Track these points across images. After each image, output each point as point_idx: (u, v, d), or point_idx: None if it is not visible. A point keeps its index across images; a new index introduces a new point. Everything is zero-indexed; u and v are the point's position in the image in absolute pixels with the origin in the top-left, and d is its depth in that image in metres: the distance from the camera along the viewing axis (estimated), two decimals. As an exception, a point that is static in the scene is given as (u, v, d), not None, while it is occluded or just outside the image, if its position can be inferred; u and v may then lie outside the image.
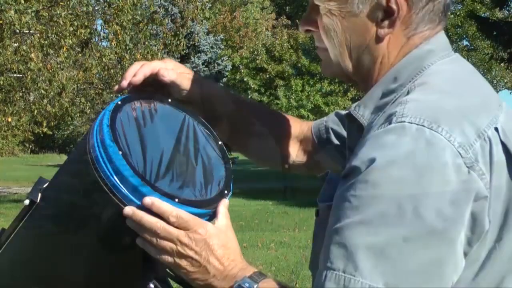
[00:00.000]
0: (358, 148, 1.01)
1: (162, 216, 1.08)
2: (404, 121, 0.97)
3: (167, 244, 1.09)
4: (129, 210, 1.09)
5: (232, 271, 1.09)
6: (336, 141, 1.44)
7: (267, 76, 28.02)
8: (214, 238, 1.10)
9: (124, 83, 1.27)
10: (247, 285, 1.05)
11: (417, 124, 0.96)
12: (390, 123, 0.98)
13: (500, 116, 1.06)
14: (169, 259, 1.10)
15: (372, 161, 0.95)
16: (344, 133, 1.35)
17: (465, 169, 0.96)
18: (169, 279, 1.31)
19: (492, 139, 1.01)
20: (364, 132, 1.07)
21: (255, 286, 1.05)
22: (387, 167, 0.94)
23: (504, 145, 1.03)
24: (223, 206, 1.17)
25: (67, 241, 1.19)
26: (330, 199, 1.09)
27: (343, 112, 1.20)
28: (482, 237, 0.99)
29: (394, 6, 1.07)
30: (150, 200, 1.08)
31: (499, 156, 1.02)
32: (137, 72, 1.28)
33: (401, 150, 0.95)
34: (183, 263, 1.09)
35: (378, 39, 1.10)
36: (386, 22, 1.08)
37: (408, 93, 1.06)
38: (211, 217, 1.16)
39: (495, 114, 1.06)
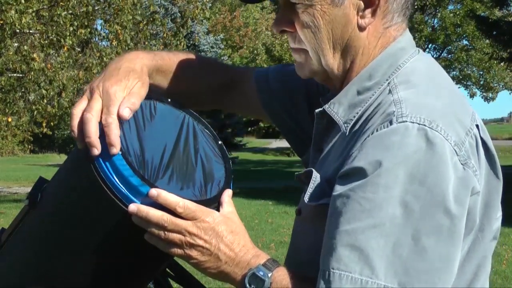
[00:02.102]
0: (358, 149, 1.01)
1: (168, 207, 1.08)
2: (406, 121, 0.99)
3: (176, 236, 1.08)
4: (133, 207, 1.08)
5: (245, 257, 1.09)
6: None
7: (267, 76, 28.01)
8: (222, 225, 1.10)
9: (97, 153, 1.09)
10: (261, 273, 1.05)
11: (419, 124, 0.99)
12: (391, 123, 1.00)
13: (476, 113, 1.10)
14: (178, 251, 1.09)
15: (380, 163, 0.97)
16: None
17: (460, 166, 0.99)
18: (169, 279, 1.31)
19: (477, 136, 1.06)
20: (351, 132, 1.09)
21: (269, 275, 1.05)
22: (395, 168, 0.96)
23: (483, 141, 1.08)
24: (226, 195, 1.17)
25: (67, 241, 1.19)
26: (317, 199, 1.10)
27: (316, 110, 1.19)
28: (472, 231, 1.04)
29: None
30: (156, 191, 1.08)
31: (482, 152, 1.06)
32: (111, 139, 1.09)
33: (407, 151, 0.97)
34: (194, 253, 1.09)
35: (360, 29, 1.11)
36: (367, 12, 1.10)
37: (390, 91, 1.08)
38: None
39: (472, 111, 1.11)
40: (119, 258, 1.18)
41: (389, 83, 1.10)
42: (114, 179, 1.10)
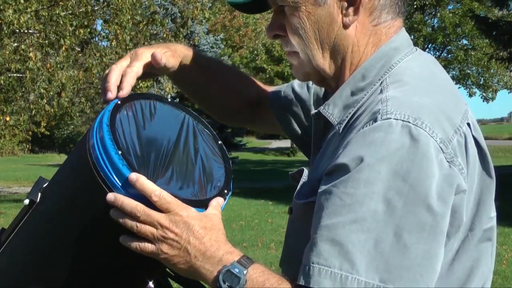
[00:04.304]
0: (343, 147, 1.02)
1: (144, 194, 1.07)
2: (390, 118, 1.00)
3: (148, 229, 1.07)
4: (111, 196, 1.08)
5: (216, 253, 1.05)
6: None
7: (267, 76, 28.04)
8: (196, 220, 1.07)
9: (110, 96, 1.19)
10: (236, 270, 1.02)
11: (403, 121, 0.99)
12: (375, 121, 1.01)
13: (469, 111, 1.10)
14: (150, 247, 1.07)
15: (361, 159, 0.97)
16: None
17: (446, 164, 0.99)
18: (169, 279, 1.31)
19: (467, 134, 1.05)
20: (343, 131, 1.10)
21: (245, 272, 1.02)
22: (377, 164, 0.97)
23: (475, 140, 1.08)
24: (215, 200, 1.16)
25: (67, 241, 1.19)
26: (306, 197, 1.10)
27: (312, 112, 1.21)
28: (460, 229, 1.03)
29: None
30: (135, 175, 1.07)
31: (473, 150, 1.06)
32: (123, 85, 1.21)
33: (390, 147, 0.97)
34: (164, 247, 1.07)
35: (346, 28, 1.13)
36: (350, 10, 1.11)
37: (381, 91, 1.09)
38: None
39: (465, 109, 1.10)
40: (118, 257, 1.18)
41: (381, 83, 1.11)
42: (114, 179, 1.10)
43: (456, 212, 1.01)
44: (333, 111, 1.14)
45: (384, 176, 0.96)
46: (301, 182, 1.13)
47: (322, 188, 1.01)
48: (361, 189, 0.96)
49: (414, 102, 1.03)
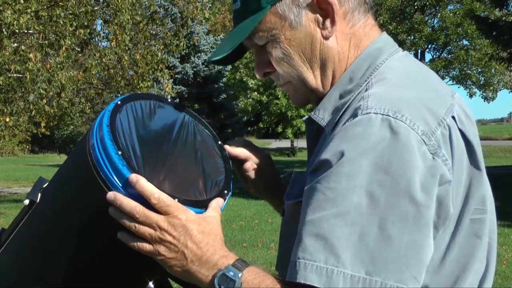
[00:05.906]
0: (326, 144, 1.03)
1: (144, 196, 1.07)
2: (370, 112, 1.01)
3: (146, 230, 1.07)
4: (111, 194, 1.08)
5: (212, 257, 1.06)
6: None
7: (267, 76, 28.01)
8: (194, 224, 1.08)
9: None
10: (231, 273, 1.02)
11: (383, 114, 1.00)
12: (356, 116, 1.02)
13: (455, 105, 1.11)
14: (148, 246, 1.08)
15: (343, 153, 0.98)
16: None
17: (429, 155, 1.00)
18: (169, 279, 1.31)
19: (451, 127, 1.06)
20: (331, 130, 1.11)
21: (239, 275, 1.02)
22: (358, 158, 0.98)
23: (461, 132, 1.08)
24: (215, 201, 1.16)
25: (67, 240, 1.19)
26: (295, 197, 1.12)
27: (304, 118, 1.23)
28: (447, 221, 1.03)
29: (326, 6, 1.13)
30: (136, 177, 1.07)
31: (459, 143, 1.06)
32: (239, 151, 1.33)
33: (370, 141, 0.98)
34: (161, 249, 1.07)
35: (327, 40, 1.15)
36: (327, 22, 1.14)
37: (366, 90, 1.10)
38: None
39: (451, 103, 1.11)
40: (118, 257, 1.18)
41: (367, 83, 1.12)
42: (114, 179, 1.10)
43: (442, 204, 1.01)
44: (323, 115, 1.15)
45: (365, 169, 0.97)
46: (290, 184, 1.15)
47: (307, 185, 1.03)
48: (344, 183, 0.97)
49: (394, 97, 1.04)
